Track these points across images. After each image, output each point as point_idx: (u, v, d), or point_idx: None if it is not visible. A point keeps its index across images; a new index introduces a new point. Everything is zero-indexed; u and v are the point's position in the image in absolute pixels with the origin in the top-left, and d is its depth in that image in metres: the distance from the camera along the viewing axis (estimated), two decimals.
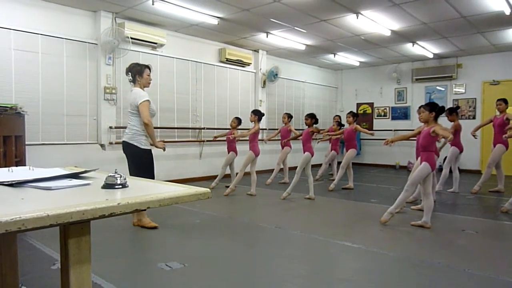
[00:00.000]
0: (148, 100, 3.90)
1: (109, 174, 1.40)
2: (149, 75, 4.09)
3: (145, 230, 4.11)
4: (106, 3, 5.85)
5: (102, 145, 6.26)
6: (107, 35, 6.07)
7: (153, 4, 5.70)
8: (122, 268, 3.07)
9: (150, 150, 4.07)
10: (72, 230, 1.18)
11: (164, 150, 4.13)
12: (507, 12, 5.98)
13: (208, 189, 1.38)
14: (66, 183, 1.42)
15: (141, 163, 4.00)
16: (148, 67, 4.12)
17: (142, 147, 3.97)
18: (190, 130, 7.73)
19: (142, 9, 6.08)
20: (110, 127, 6.33)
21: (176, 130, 7.47)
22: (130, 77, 4.08)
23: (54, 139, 5.75)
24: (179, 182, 6.90)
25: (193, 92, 7.80)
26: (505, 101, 6.48)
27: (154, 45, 6.89)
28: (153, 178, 3.97)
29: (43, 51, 5.64)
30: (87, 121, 6.19)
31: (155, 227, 4.15)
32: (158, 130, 7.12)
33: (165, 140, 7.17)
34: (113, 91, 6.33)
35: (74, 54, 5.98)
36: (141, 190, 1.38)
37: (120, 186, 1.38)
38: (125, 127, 6.39)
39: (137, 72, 4.03)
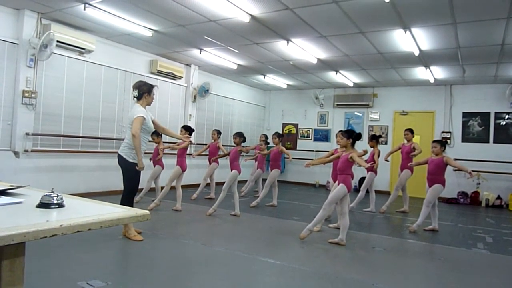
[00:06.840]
0: (142, 116, 4.11)
1: (45, 193, 1.39)
2: (154, 94, 4.37)
3: (67, 244, 3.90)
4: (32, 3, 5.52)
5: (16, 153, 5.79)
6: (30, 36, 5.70)
7: (84, 9, 5.51)
8: (39, 287, 2.89)
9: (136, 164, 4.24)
10: (6, 251, 1.15)
11: (141, 170, 4.25)
12: (416, 53, 6.79)
13: (147, 211, 1.42)
14: None
15: (127, 175, 4.29)
16: (154, 86, 4.41)
17: (130, 160, 4.22)
18: (114, 141, 7.44)
19: (71, 13, 5.82)
20: (27, 134, 5.89)
21: (99, 140, 7.16)
22: (136, 94, 4.26)
23: None
24: (101, 194, 6.69)
25: (120, 102, 7.56)
26: (411, 131, 7.30)
27: (81, 51, 6.61)
28: (133, 190, 4.35)
29: None
30: (0, 125, 5.71)
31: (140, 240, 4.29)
32: (80, 139, 6.78)
33: (88, 150, 6.87)
34: (33, 95, 5.92)
35: None
36: (78, 210, 1.39)
37: (57, 206, 1.37)
38: (44, 134, 6.11)
39: (147, 91, 4.27)
